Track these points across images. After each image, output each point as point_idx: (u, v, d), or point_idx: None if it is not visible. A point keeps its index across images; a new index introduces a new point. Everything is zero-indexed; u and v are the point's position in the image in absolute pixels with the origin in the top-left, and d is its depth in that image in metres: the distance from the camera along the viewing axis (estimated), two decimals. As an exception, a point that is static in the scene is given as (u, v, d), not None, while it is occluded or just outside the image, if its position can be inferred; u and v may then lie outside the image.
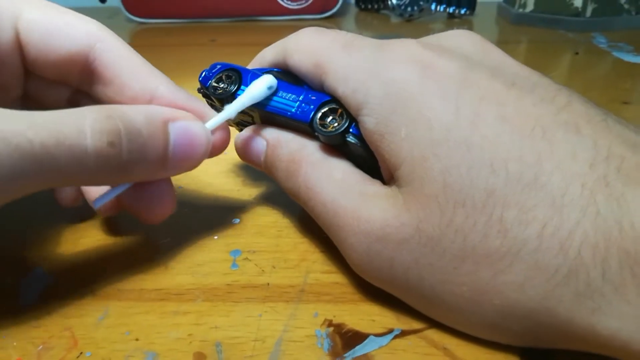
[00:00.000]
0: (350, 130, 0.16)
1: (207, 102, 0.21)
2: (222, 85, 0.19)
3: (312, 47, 0.18)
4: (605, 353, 0.12)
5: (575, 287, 0.12)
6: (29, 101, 0.19)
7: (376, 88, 0.15)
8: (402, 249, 0.14)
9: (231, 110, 0.18)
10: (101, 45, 0.17)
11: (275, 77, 0.18)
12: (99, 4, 0.62)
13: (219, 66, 0.20)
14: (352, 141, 0.16)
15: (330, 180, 0.16)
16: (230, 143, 0.19)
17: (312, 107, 0.17)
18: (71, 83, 0.19)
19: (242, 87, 0.19)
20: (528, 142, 0.13)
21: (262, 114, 0.19)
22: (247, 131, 0.19)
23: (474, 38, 0.17)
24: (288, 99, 0.18)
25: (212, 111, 0.18)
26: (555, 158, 0.13)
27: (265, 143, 0.18)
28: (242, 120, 0.21)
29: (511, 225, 0.13)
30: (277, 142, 0.18)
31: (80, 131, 0.14)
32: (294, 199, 0.18)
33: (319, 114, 0.17)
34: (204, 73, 0.20)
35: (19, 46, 0.17)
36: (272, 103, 0.18)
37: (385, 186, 0.16)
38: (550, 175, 0.13)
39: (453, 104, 0.14)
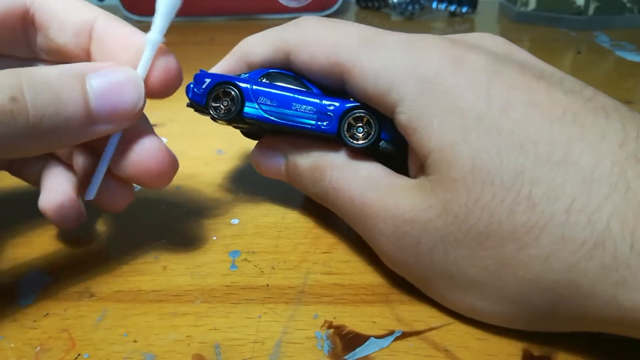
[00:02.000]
0: (381, 137, 0.17)
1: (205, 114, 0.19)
2: (224, 105, 0.18)
3: (325, 42, 0.17)
4: (623, 330, 0.12)
5: (601, 259, 0.12)
6: None
7: (410, 86, 0.15)
8: (429, 227, 0.15)
9: (153, 41, 0.16)
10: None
11: (275, 78, 0.18)
12: (97, 2, 0.62)
13: (207, 80, 0.18)
14: (386, 147, 0.17)
15: (357, 178, 0.17)
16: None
17: (332, 116, 0.17)
18: (20, 52, 0.18)
19: (247, 103, 0.17)
20: (558, 125, 0.13)
21: (278, 128, 0.18)
22: (262, 145, 0.19)
23: (498, 39, 0.17)
24: (304, 111, 0.17)
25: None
26: (585, 139, 0.13)
27: (283, 157, 0.19)
28: (238, 126, 0.20)
29: (540, 200, 0.13)
30: (296, 153, 0.18)
31: None
32: (321, 203, 0.18)
33: (345, 125, 0.17)
34: (192, 88, 0.18)
35: None
36: (289, 117, 0.17)
37: (412, 179, 0.16)
38: (580, 155, 0.13)
39: (485, 93, 0.14)
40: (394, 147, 0.16)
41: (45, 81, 0.14)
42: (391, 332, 0.15)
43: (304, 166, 0.18)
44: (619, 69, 0.38)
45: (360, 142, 0.17)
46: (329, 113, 0.17)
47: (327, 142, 0.18)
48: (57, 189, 0.19)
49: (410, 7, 0.54)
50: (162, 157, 0.17)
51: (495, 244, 0.13)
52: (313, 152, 0.18)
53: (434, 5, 0.55)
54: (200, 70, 0.18)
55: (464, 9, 0.55)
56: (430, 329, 0.15)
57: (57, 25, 0.17)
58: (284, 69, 0.18)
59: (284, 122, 0.17)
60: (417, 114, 0.15)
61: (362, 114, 0.17)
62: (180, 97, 0.18)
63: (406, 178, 0.16)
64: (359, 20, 0.57)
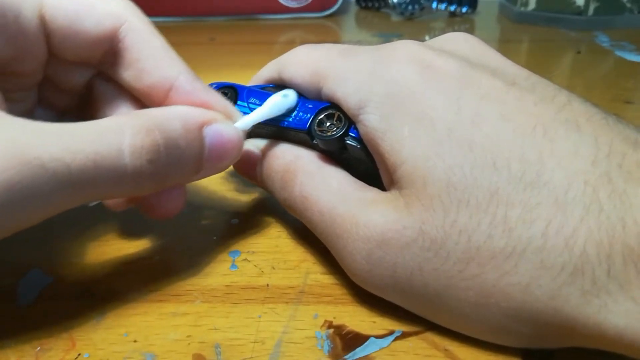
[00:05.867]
0: (349, 133, 0.16)
1: None
2: None
3: (308, 58, 0.18)
4: (613, 350, 0.12)
5: (582, 285, 0.12)
6: (47, 84, 0.18)
7: (378, 86, 0.15)
8: (405, 254, 0.14)
9: (262, 112, 0.18)
10: (126, 25, 0.17)
11: (272, 91, 0.19)
12: None
13: (213, 85, 0.20)
14: (352, 144, 0.16)
15: (327, 189, 0.16)
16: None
17: (309, 115, 0.17)
18: (94, 64, 0.18)
19: (238, 102, 0.19)
20: (529, 140, 0.13)
21: (259, 126, 0.18)
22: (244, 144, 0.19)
23: (471, 41, 0.17)
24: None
25: (232, 106, 0.18)
26: (556, 156, 0.13)
27: (261, 155, 0.19)
28: None
29: (515, 224, 0.12)
30: (273, 153, 0.18)
31: (118, 150, 0.13)
32: (289, 211, 0.18)
33: (317, 121, 0.17)
34: None
35: (44, 33, 0.16)
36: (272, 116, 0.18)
37: (383, 192, 0.16)
38: (552, 173, 0.12)
39: (455, 103, 0.14)
40: (362, 147, 0.16)
41: (173, 136, 0.15)
42: (391, 332, 0.15)
43: (277, 167, 0.18)
44: (618, 69, 0.38)
45: (328, 134, 0.17)
46: (307, 112, 0.17)
47: (306, 148, 0.18)
48: None
49: (410, 7, 0.54)
50: (181, 200, 0.17)
51: (475, 272, 0.13)
52: (288, 155, 0.18)
53: (434, 5, 0.55)
54: (217, 82, 0.20)
55: (464, 9, 0.55)
56: (430, 329, 0.15)
57: (136, 72, 0.17)
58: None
59: (266, 119, 0.18)
60: (387, 116, 0.15)
61: (334, 111, 0.17)
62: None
63: (378, 191, 0.16)
64: (359, 20, 0.57)
